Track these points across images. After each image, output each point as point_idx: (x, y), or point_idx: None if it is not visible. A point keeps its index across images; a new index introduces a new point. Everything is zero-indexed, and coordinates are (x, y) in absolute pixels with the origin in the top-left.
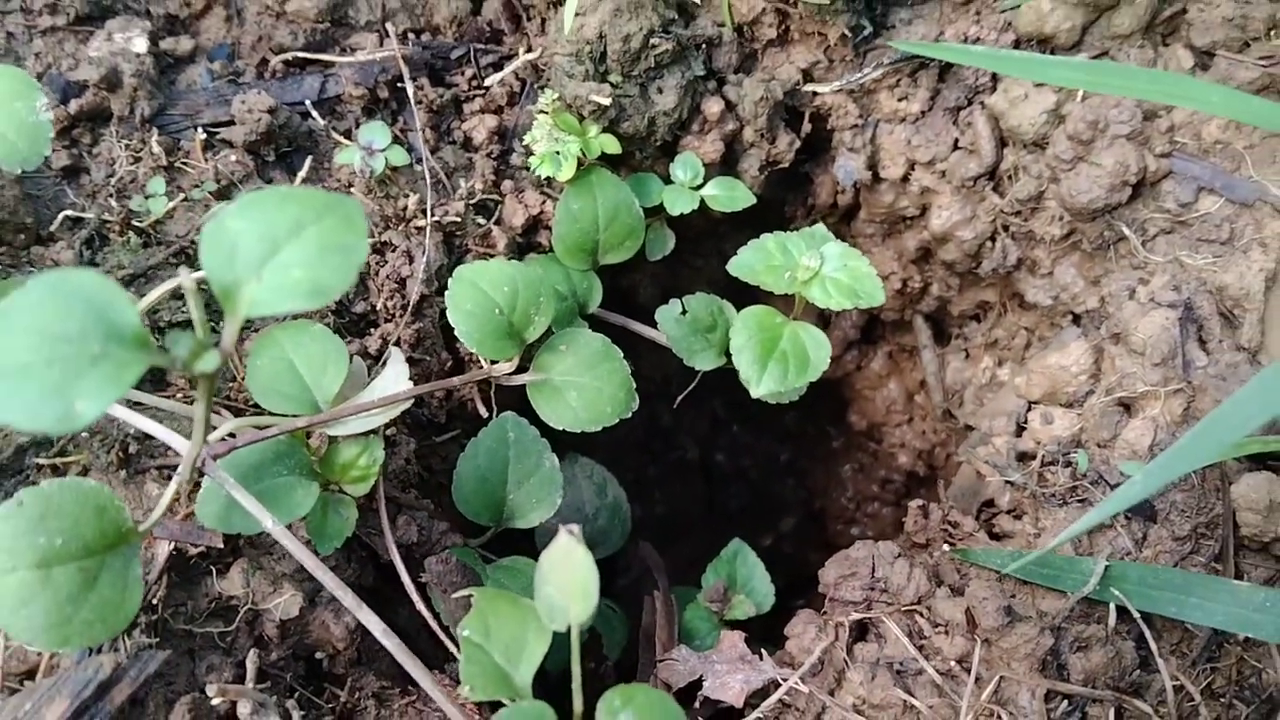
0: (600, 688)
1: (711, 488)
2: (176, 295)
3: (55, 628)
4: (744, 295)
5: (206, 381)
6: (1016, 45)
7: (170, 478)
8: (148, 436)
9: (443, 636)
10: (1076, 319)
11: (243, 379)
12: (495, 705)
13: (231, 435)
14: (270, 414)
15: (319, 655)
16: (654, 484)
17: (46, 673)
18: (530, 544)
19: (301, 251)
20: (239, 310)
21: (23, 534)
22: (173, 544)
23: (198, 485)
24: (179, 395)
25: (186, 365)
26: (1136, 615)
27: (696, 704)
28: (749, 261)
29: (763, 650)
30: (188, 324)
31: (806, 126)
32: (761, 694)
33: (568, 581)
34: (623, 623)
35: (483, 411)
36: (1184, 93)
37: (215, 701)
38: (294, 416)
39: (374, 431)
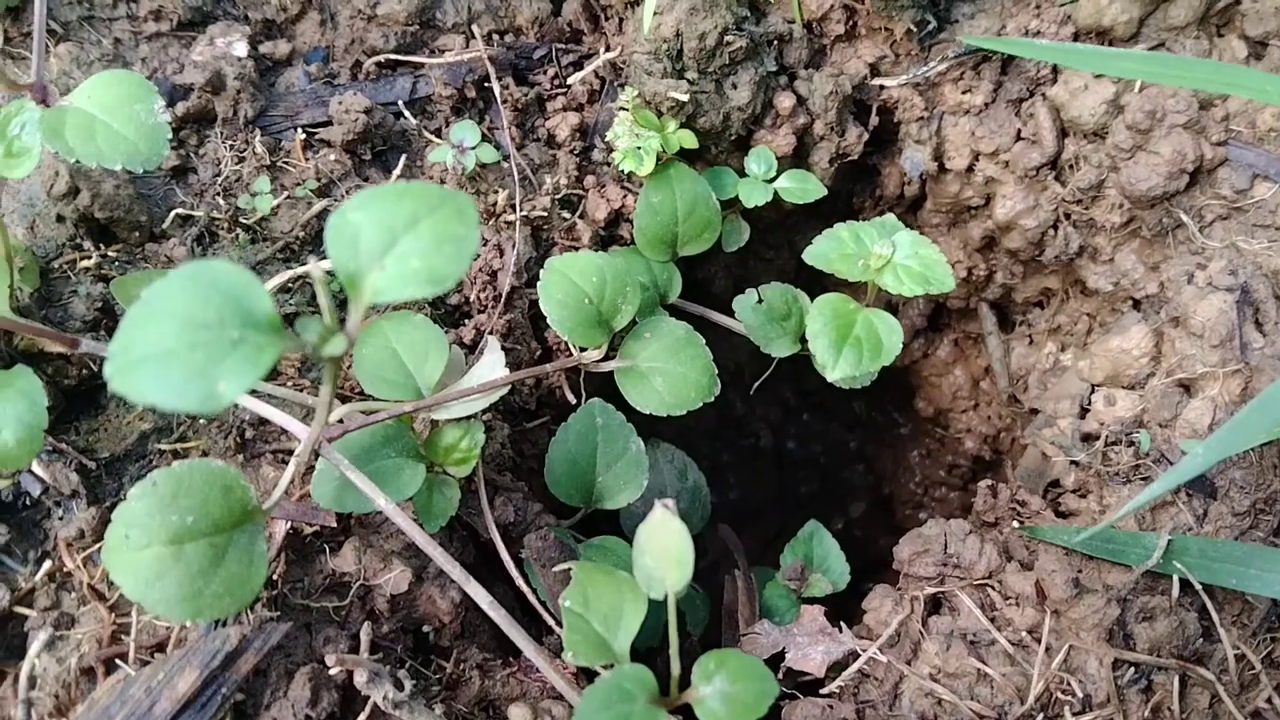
0: (686, 660)
1: (783, 473)
2: (284, 289)
3: (188, 600)
4: (814, 286)
5: (332, 365)
6: (1075, 37)
7: (284, 461)
8: (263, 422)
9: (540, 610)
10: (1137, 304)
11: (349, 367)
12: (592, 675)
13: (341, 420)
14: (376, 400)
15: (426, 629)
16: (727, 470)
17: (176, 645)
18: (616, 525)
19: (418, 242)
20: (363, 297)
21: (156, 512)
22: (289, 523)
23: (310, 469)
24: (290, 383)
25: (316, 349)
26: (1198, 587)
27: (779, 675)
28: (823, 250)
29: (841, 623)
30: (297, 315)
31: (874, 120)
32: (841, 665)
33: (664, 551)
34: (704, 601)
35: (570, 398)
36: (1242, 82)
37: (333, 671)
38: (399, 402)
39: (474, 416)
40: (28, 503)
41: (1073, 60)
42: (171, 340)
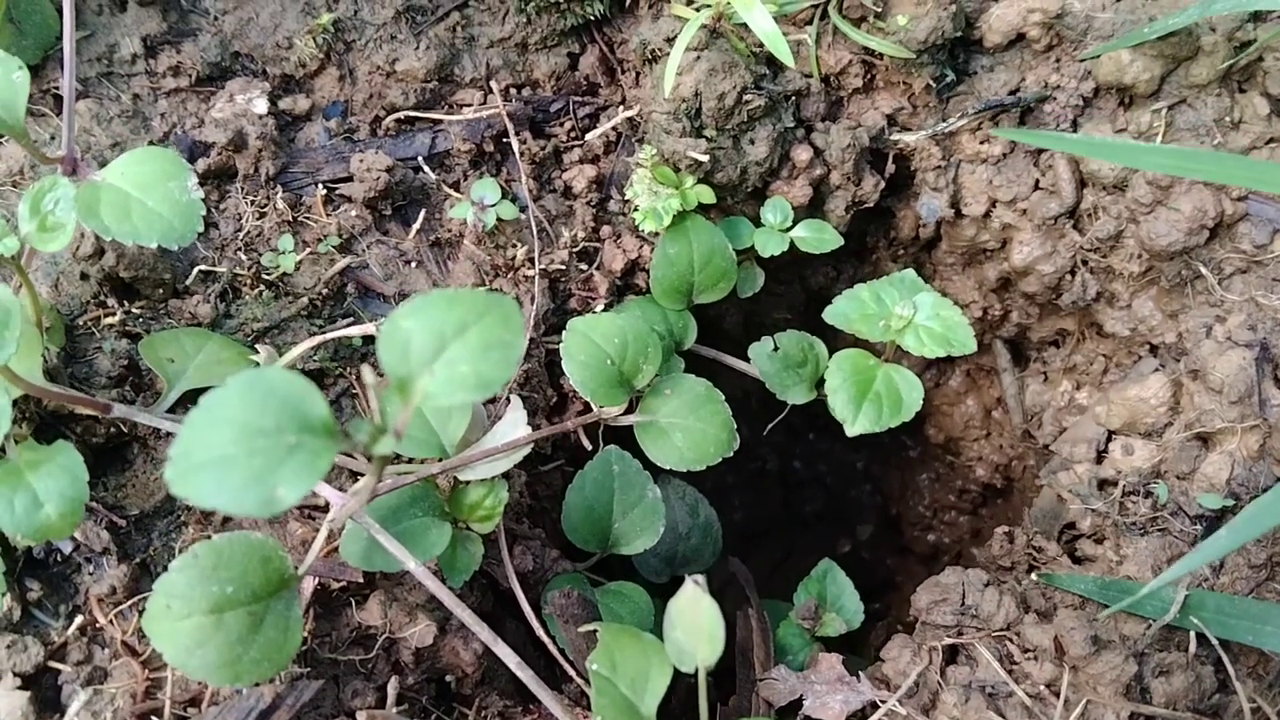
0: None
1: (789, 494)
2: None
3: (227, 666)
4: (825, 326)
5: (380, 461)
6: (1095, 92)
7: (310, 517)
8: None
9: (560, 659)
10: (1154, 349)
11: None
12: None
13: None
14: (400, 459)
15: (448, 678)
16: (733, 491)
17: (210, 701)
18: (629, 566)
19: (466, 348)
20: (412, 400)
21: (197, 583)
22: (317, 580)
23: (339, 526)
24: None
25: (367, 448)
26: (1215, 642)
27: None
28: (844, 310)
29: (859, 672)
30: (321, 373)
31: (890, 168)
32: (860, 715)
33: (695, 627)
34: None
35: (587, 445)
36: (1269, 179)
37: None
38: (425, 461)
39: (498, 475)
40: (59, 559)
41: (1108, 154)
42: (231, 447)
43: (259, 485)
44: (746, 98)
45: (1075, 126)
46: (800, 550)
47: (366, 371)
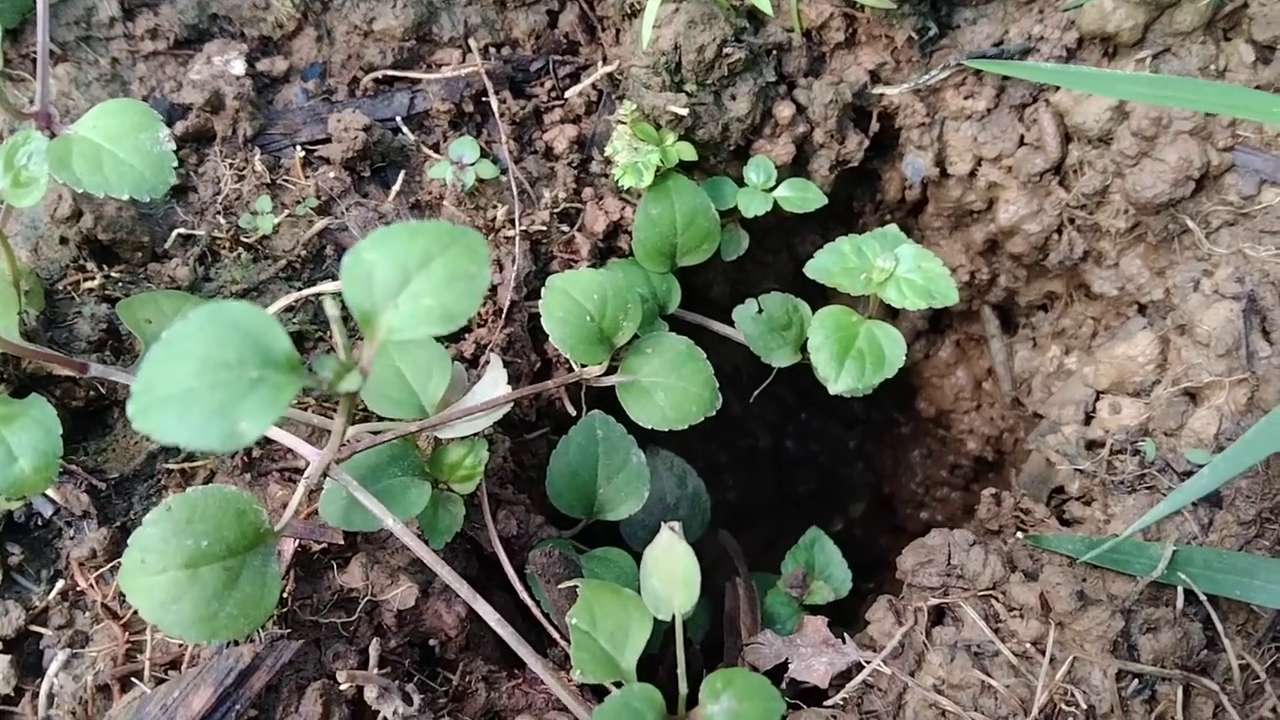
0: (689, 670)
1: (781, 474)
2: (287, 307)
3: (203, 622)
4: (813, 292)
5: (348, 399)
6: (1079, 43)
7: (290, 479)
8: (269, 441)
9: (544, 622)
10: (1142, 309)
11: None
12: (597, 688)
13: (348, 440)
14: (380, 418)
15: (432, 642)
16: (725, 471)
17: (190, 663)
18: (616, 534)
19: (431, 281)
20: (378, 335)
21: (171, 537)
22: (297, 541)
23: (318, 487)
24: (295, 403)
25: (332, 386)
26: (1203, 598)
27: (782, 685)
28: (825, 264)
29: (845, 634)
30: (301, 335)
31: (874, 126)
32: (845, 675)
33: (671, 574)
34: (704, 607)
35: (571, 410)
36: (1249, 105)
37: (344, 687)
38: (404, 420)
39: (478, 433)
40: (39, 523)
41: (1081, 83)
42: (192, 380)
43: (221, 419)
44: (727, 51)
45: None
46: (792, 529)
47: (329, 303)
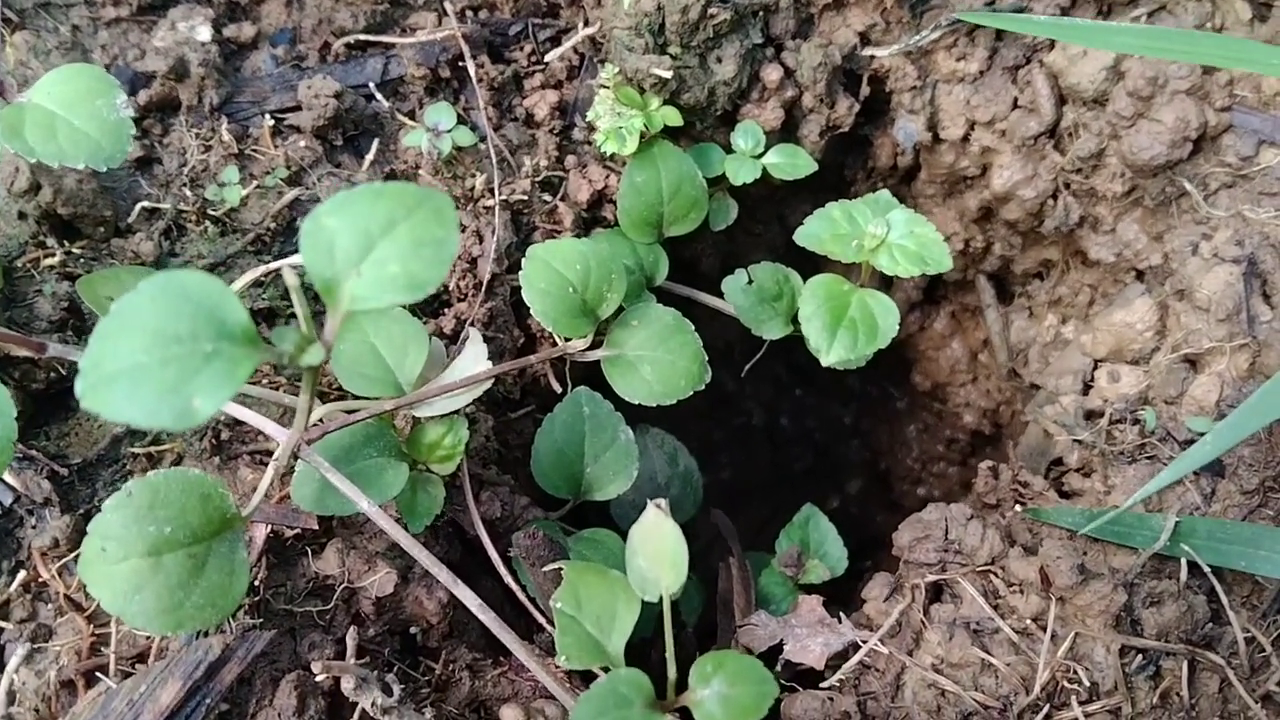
0: (681, 653)
1: (777, 451)
2: (256, 283)
3: (168, 612)
4: (805, 263)
5: (311, 374)
6: (1074, 2)
7: (261, 463)
8: (238, 423)
9: (530, 607)
10: (1140, 275)
11: (326, 363)
12: (584, 673)
13: (320, 421)
14: (355, 397)
15: (413, 630)
16: (719, 449)
17: (157, 656)
18: (606, 515)
19: (396, 247)
20: (341, 305)
21: (133, 523)
22: (270, 527)
23: (289, 471)
24: (265, 381)
25: (293, 359)
26: (1207, 569)
27: (777, 667)
28: (815, 231)
29: (841, 614)
30: (271, 311)
31: (865, 90)
32: (841, 656)
33: (658, 553)
34: (698, 589)
35: (556, 387)
36: (1249, 56)
37: (320, 678)
38: (379, 399)
39: (457, 412)
40: None
41: (1071, 36)
42: (143, 355)
43: (173, 396)
44: (711, 11)
45: (1053, 39)
46: (787, 508)
47: (287, 273)
